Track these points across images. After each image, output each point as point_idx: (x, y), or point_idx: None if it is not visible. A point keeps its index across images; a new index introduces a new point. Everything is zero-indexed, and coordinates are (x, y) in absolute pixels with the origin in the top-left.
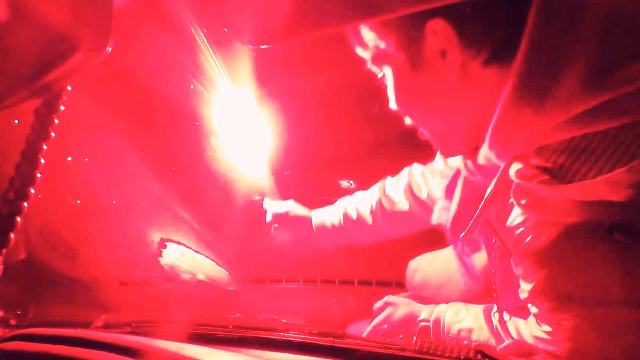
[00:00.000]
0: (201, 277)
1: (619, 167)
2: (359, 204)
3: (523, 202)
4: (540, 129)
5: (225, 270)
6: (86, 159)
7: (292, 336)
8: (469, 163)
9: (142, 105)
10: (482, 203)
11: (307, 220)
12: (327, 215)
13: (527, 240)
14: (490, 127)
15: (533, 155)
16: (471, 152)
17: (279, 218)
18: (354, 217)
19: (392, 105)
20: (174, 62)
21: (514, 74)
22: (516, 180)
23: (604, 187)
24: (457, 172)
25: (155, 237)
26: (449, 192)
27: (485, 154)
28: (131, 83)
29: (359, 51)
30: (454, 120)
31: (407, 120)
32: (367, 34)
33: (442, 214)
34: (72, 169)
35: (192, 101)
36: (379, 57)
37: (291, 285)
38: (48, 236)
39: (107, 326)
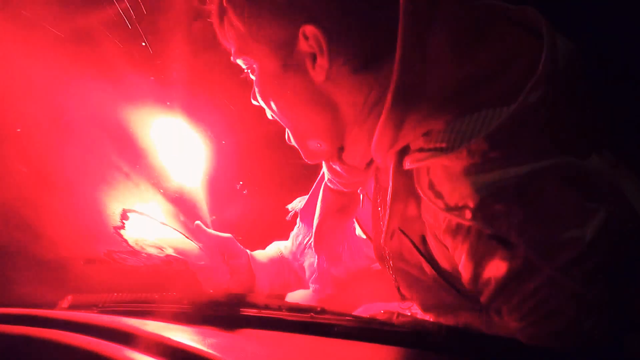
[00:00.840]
0: (169, 251)
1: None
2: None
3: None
4: (420, 119)
5: (195, 244)
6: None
7: (270, 312)
8: (336, 166)
9: None
10: (388, 203)
11: (244, 254)
12: (264, 252)
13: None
14: (375, 135)
15: (420, 142)
16: (336, 154)
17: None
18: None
19: (255, 100)
20: None
21: (394, 78)
22: (412, 166)
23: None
24: (313, 193)
25: (117, 207)
26: (305, 213)
27: (354, 155)
28: None
29: (225, 42)
30: (317, 120)
31: (269, 115)
32: (237, 28)
33: (298, 240)
34: (24, 140)
35: None
36: (246, 52)
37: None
38: (7, 214)
39: (73, 307)
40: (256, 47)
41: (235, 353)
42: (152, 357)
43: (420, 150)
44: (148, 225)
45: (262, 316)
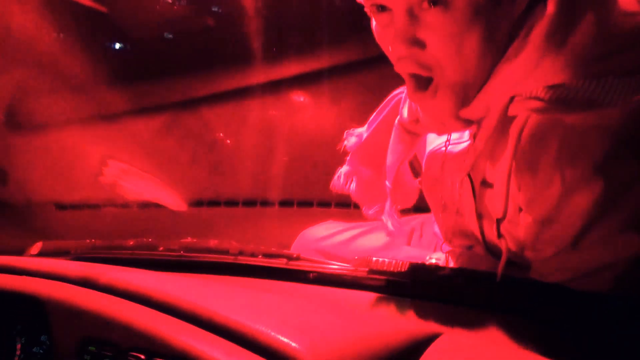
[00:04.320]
0: (147, 197)
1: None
2: None
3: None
4: (555, 69)
5: (173, 190)
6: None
7: (246, 259)
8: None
9: None
10: (482, 142)
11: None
12: None
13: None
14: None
15: (541, 91)
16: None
17: None
18: None
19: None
20: None
21: (546, 21)
22: (523, 113)
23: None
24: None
25: (95, 153)
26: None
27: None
28: None
29: None
30: (488, 59)
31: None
32: None
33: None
34: None
35: None
36: None
37: (248, 207)
38: None
39: (43, 254)
40: None
41: (208, 300)
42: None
43: (539, 99)
44: (127, 171)
45: (237, 263)
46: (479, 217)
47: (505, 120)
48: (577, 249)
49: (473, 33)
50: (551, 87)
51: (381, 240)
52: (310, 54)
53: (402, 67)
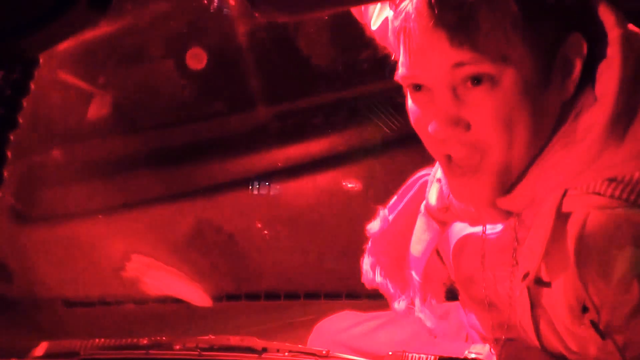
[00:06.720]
0: (169, 292)
1: None
2: None
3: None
4: (615, 161)
5: (195, 285)
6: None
7: (270, 356)
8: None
9: None
10: (541, 244)
11: None
12: None
13: None
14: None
15: (599, 186)
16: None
17: None
18: None
19: (444, 127)
20: None
21: (608, 107)
22: (578, 210)
23: None
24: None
25: (108, 245)
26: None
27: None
28: None
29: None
30: (535, 143)
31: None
32: (505, 27)
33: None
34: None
35: None
36: (506, 58)
37: (271, 301)
38: None
39: (48, 356)
40: (521, 51)
41: None
42: None
43: (600, 195)
44: (149, 265)
45: None
46: (534, 315)
47: (559, 215)
48: None
49: (522, 113)
50: (613, 181)
51: (404, 331)
52: (330, 134)
53: (445, 149)
